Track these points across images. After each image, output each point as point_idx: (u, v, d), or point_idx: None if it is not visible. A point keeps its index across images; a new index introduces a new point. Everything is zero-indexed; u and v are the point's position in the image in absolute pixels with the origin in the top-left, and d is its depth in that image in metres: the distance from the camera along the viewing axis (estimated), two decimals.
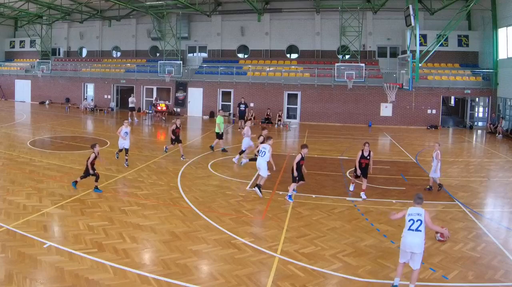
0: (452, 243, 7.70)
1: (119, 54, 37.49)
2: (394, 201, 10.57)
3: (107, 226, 8.13)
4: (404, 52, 26.06)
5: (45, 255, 6.70)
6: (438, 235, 6.02)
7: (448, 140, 23.29)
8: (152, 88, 32.93)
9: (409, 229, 5.92)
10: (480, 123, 28.14)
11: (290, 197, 10.40)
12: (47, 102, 36.24)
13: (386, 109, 27.81)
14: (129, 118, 25.01)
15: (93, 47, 38.01)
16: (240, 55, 33.94)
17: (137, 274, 6.25)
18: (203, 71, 31.77)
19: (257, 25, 32.21)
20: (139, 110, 30.92)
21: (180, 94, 31.69)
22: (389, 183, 12.26)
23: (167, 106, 29.37)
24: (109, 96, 34.06)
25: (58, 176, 11.85)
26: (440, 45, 22.69)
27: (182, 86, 31.53)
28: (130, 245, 7.30)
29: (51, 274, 6.11)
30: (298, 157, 10.27)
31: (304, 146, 10.50)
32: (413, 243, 5.85)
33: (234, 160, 14.52)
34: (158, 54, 34.91)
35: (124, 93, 34.04)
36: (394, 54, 30.46)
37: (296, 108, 29.53)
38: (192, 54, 35.48)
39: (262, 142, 11.92)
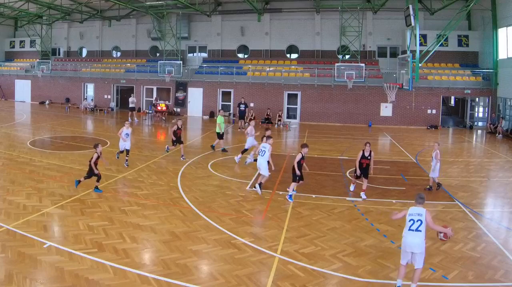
0: (452, 243, 7.70)
1: (119, 54, 37.50)
2: (394, 201, 10.57)
3: (107, 226, 8.13)
4: (404, 52, 26.06)
5: (45, 255, 6.70)
6: (442, 234, 5.91)
7: (448, 140, 23.30)
8: (152, 88, 32.93)
9: (409, 229, 5.91)
10: (480, 123, 28.15)
11: (290, 196, 10.41)
12: (47, 102, 36.25)
13: (386, 109, 27.81)
14: (129, 118, 25.04)
15: (93, 47, 38.01)
16: (240, 55, 33.94)
17: (137, 274, 6.25)
18: (203, 71, 31.77)
19: (257, 25, 32.22)
20: (139, 110, 30.91)
21: (180, 94, 31.69)
22: (389, 183, 12.26)
23: (167, 106, 29.37)
24: (109, 96, 34.06)
25: (58, 176, 11.85)
26: (440, 45, 22.69)
27: (182, 86, 31.54)
28: (130, 245, 7.30)
29: (51, 274, 6.11)
30: (299, 156, 10.29)
31: (304, 145, 10.52)
32: (413, 243, 5.84)
33: (236, 158, 14.43)
34: (158, 54, 34.91)
35: (124, 93, 34.05)
36: (394, 54, 30.46)
37: (296, 108, 29.53)
38: (192, 54, 35.48)
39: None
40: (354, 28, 27.73)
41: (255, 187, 11.10)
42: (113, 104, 33.50)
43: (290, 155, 16.22)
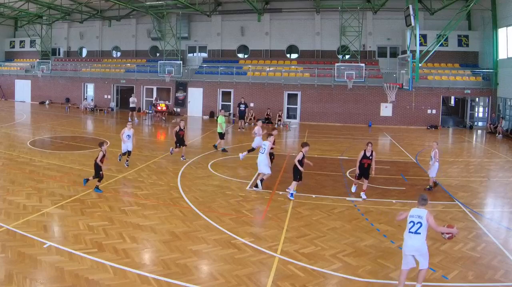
0: (452, 243, 7.69)
1: (119, 54, 37.50)
2: (394, 201, 10.57)
3: (107, 226, 8.13)
4: (404, 52, 26.06)
5: (45, 255, 6.70)
6: (447, 235, 5.80)
7: (448, 140, 23.30)
8: (152, 88, 32.93)
9: (409, 232, 5.82)
10: (480, 123, 28.14)
11: (291, 195, 10.47)
12: (47, 102, 36.25)
13: (386, 109, 27.81)
14: (129, 118, 25.04)
15: (93, 47, 38.01)
16: (240, 55, 33.94)
17: (137, 274, 6.25)
18: (203, 71, 31.78)
19: (257, 25, 32.22)
20: (139, 110, 30.91)
21: (180, 94, 31.69)
22: (389, 183, 12.26)
23: (167, 106, 29.38)
24: (109, 96, 34.07)
25: (58, 176, 11.85)
26: (440, 45, 22.70)
27: (182, 86, 31.54)
28: (130, 245, 7.30)
29: (51, 274, 6.11)
30: (300, 155, 10.34)
31: (304, 144, 10.57)
32: (413, 246, 5.77)
33: (240, 155, 14.02)
34: (158, 54, 34.91)
35: (124, 93, 34.05)
36: (394, 54, 30.46)
37: (296, 108, 29.53)
38: (192, 54, 35.48)
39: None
40: (354, 28, 27.73)
41: (256, 186, 11.15)
42: (113, 104, 33.51)
43: (290, 155, 16.21)
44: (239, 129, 24.20)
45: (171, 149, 15.24)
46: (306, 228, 8.49)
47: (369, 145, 10.56)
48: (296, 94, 29.28)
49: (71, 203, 9.42)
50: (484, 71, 26.80)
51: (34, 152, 15.18)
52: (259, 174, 11.40)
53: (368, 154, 10.47)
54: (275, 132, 12.78)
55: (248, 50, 33.64)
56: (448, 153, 18.13)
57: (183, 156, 14.79)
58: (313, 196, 10.76)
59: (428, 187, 11.72)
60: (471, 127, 27.48)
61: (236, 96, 29.14)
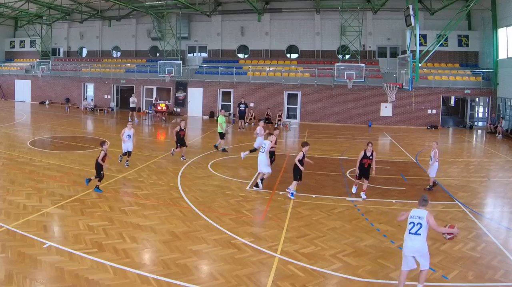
0: (452, 243, 7.68)
1: (119, 54, 37.50)
2: (394, 201, 10.57)
3: (107, 226, 8.13)
4: (404, 52, 26.06)
5: (45, 255, 6.70)
6: (448, 235, 5.77)
7: (448, 140, 23.30)
8: (152, 88, 32.93)
9: (409, 233, 5.79)
10: (480, 123, 28.14)
11: (292, 194, 10.50)
12: (47, 102, 36.25)
13: (386, 109, 27.80)
14: (129, 118, 25.03)
15: (93, 47, 38.01)
16: (240, 55, 33.93)
17: (137, 274, 6.25)
18: (203, 71, 31.77)
19: (257, 25, 32.21)
20: (139, 110, 30.91)
21: (180, 94, 31.69)
22: (389, 183, 12.26)
23: (167, 106, 29.38)
24: (109, 96, 34.06)
25: (58, 176, 11.85)
26: (440, 45, 22.70)
27: (182, 86, 31.53)
28: (130, 245, 7.30)
29: (51, 274, 6.11)
30: (300, 155, 10.36)
31: (305, 144, 10.62)
32: (413, 247, 5.74)
33: (242, 154, 13.95)
34: (158, 54, 34.91)
35: (124, 93, 34.05)
36: (394, 54, 30.45)
37: (296, 108, 29.53)
38: (192, 54, 35.48)
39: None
40: (354, 28, 27.73)
41: (256, 185, 11.18)
42: (113, 104, 33.50)
43: (290, 155, 16.21)
44: (239, 129, 24.21)
45: (172, 149, 15.17)
46: (306, 228, 8.49)
47: (370, 144, 10.54)
48: (296, 94, 29.28)
49: (71, 203, 9.42)
50: (484, 71, 26.80)
51: (34, 152, 15.18)
52: (259, 174, 11.41)
53: (368, 154, 10.46)
54: (276, 132, 12.84)
55: (248, 50, 33.63)
56: (448, 153, 18.13)
57: (183, 156, 14.78)
58: (313, 196, 10.76)
59: (428, 187, 11.72)
60: (471, 127, 27.48)
61: (236, 96, 29.14)
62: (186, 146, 15.00)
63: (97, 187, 10.43)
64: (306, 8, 31.17)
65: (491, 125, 25.22)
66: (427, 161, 12.73)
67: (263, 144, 11.51)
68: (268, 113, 27.71)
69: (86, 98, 34.57)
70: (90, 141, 18.46)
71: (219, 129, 16.80)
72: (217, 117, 18.14)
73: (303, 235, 8.11)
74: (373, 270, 6.69)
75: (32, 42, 38.32)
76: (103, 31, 37.51)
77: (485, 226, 8.84)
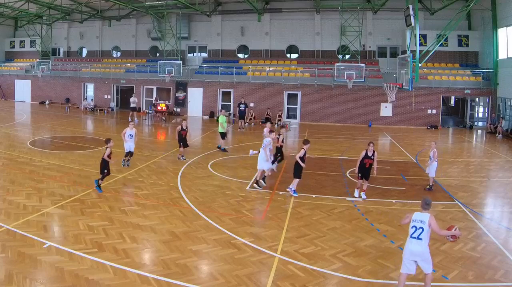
0: (452, 243, 7.69)
1: (119, 54, 37.49)
2: (394, 201, 10.57)
3: (107, 226, 8.13)
4: (404, 52, 26.06)
5: (45, 255, 6.70)
6: (450, 237, 5.74)
7: (448, 140, 23.30)
8: (152, 88, 32.93)
9: (411, 237, 5.72)
10: (480, 123, 28.13)
11: (294, 191, 10.55)
12: (47, 102, 36.24)
13: (386, 109, 27.80)
14: (130, 118, 25.02)
15: (93, 47, 38.01)
16: (240, 55, 33.93)
17: (137, 274, 6.25)
18: (203, 71, 31.77)
19: (257, 25, 32.21)
20: (139, 110, 30.91)
21: (180, 94, 31.69)
22: (389, 183, 12.26)
23: (167, 106, 29.38)
24: (109, 96, 34.06)
25: (58, 176, 11.85)
26: (440, 45, 22.69)
27: (182, 86, 31.53)
28: (130, 245, 7.30)
29: (51, 274, 6.11)
30: (301, 152, 10.41)
31: (306, 141, 10.70)
32: (414, 252, 5.68)
33: (250, 151, 13.77)
34: (158, 54, 34.91)
35: (124, 93, 34.05)
36: (394, 54, 30.45)
37: (296, 108, 29.52)
38: (192, 54, 35.47)
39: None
40: (354, 28, 27.73)
41: (257, 183, 11.22)
42: (113, 104, 33.50)
43: (290, 154, 16.20)
44: (239, 129, 24.21)
45: (178, 155, 14.93)
46: (306, 228, 8.49)
47: (371, 144, 10.50)
48: (296, 94, 29.28)
49: (71, 203, 9.42)
50: (484, 71, 26.80)
51: (34, 152, 15.18)
52: (259, 172, 11.43)
53: (370, 154, 10.43)
54: (282, 131, 13.08)
55: (248, 50, 33.63)
56: (448, 153, 18.14)
57: (183, 156, 14.79)
58: (313, 196, 10.76)
59: (428, 187, 11.72)
60: (471, 127, 27.48)
61: (236, 96, 29.13)
62: (188, 146, 15.01)
63: (98, 186, 10.43)
64: (306, 8, 31.17)
65: (491, 125, 25.22)
66: (427, 161, 12.73)
67: (264, 141, 11.59)
68: (268, 113, 27.71)
69: (86, 98, 34.57)
70: (90, 141, 18.46)
71: (220, 129, 16.80)
72: (217, 117, 18.14)
73: (303, 235, 8.11)
74: (373, 270, 6.69)
75: (32, 42, 38.31)
76: (103, 31, 37.51)
77: (485, 226, 8.84)
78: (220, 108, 28.00)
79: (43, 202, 9.42)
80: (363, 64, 27.62)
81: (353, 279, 6.39)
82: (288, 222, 8.79)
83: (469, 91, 26.81)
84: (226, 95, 30.83)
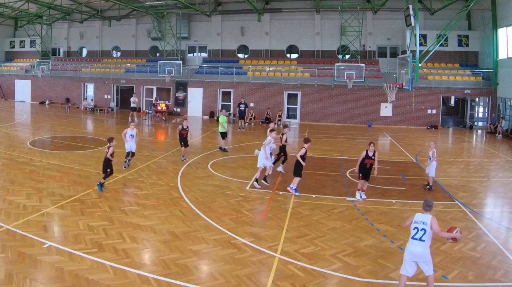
0: (452, 243, 7.69)
1: (119, 54, 37.49)
2: (394, 201, 10.57)
3: (107, 226, 8.13)
4: (404, 52, 26.06)
5: (45, 255, 6.70)
6: (451, 240, 5.72)
7: (448, 140, 23.30)
8: (152, 88, 32.93)
9: (413, 238, 5.70)
10: (480, 123, 28.13)
11: (295, 190, 10.58)
12: (47, 102, 36.24)
13: (386, 109, 27.80)
14: (130, 118, 25.02)
15: (93, 47, 38.01)
16: (240, 55, 33.93)
17: (137, 274, 6.25)
18: (203, 71, 31.77)
19: (257, 25, 32.21)
20: (139, 110, 30.90)
21: (180, 94, 31.68)
22: (389, 183, 12.26)
23: (167, 106, 29.38)
24: (109, 96, 34.06)
25: (58, 176, 11.85)
26: (440, 45, 22.69)
27: (182, 86, 31.53)
28: (130, 245, 7.30)
29: (51, 274, 6.11)
30: (302, 151, 10.44)
31: (307, 140, 10.75)
32: (415, 253, 5.67)
33: (256, 151, 13.94)
34: (158, 54, 34.91)
35: (124, 93, 34.05)
36: (394, 54, 30.45)
37: (296, 108, 29.52)
38: (192, 54, 35.47)
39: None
40: (354, 28, 27.73)
41: (256, 181, 11.24)
42: (113, 104, 33.50)
43: (290, 155, 16.20)
44: (239, 130, 24.20)
45: (181, 157, 14.87)
46: (306, 228, 8.49)
47: (371, 144, 10.49)
48: (296, 94, 29.27)
49: (71, 203, 9.42)
50: (484, 71, 26.80)
51: (34, 152, 15.18)
52: (259, 170, 11.43)
53: (370, 154, 10.41)
54: (286, 130, 13.09)
55: (248, 50, 33.63)
56: (448, 153, 18.14)
57: (183, 156, 14.79)
58: (313, 196, 10.76)
59: (428, 186, 11.73)
60: (471, 127, 27.48)
61: (236, 96, 29.13)
62: (188, 146, 15.01)
63: (100, 185, 10.43)
64: (306, 8, 31.17)
65: (491, 125, 25.22)
66: (427, 161, 12.72)
67: (267, 139, 11.68)
68: (268, 113, 27.72)
69: (86, 98, 34.57)
70: (90, 141, 18.46)
71: (220, 129, 16.80)
72: (218, 117, 18.15)
73: (303, 235, 8.11)
74: (373, 270, 6.69)
75: (32, 42, 38.31)
76: (103, 31, 37.51)
77: (485, 226, 8.84)
78: (220, 108, 27.99)
79: (43, 202, 9.42)
80: (363, 64, 27.62)
81: (353, 279, 6.39)
82: (288, 222, 8.78)
83: (469, 91, 26.81)
84: (226, 95, 30.83)
